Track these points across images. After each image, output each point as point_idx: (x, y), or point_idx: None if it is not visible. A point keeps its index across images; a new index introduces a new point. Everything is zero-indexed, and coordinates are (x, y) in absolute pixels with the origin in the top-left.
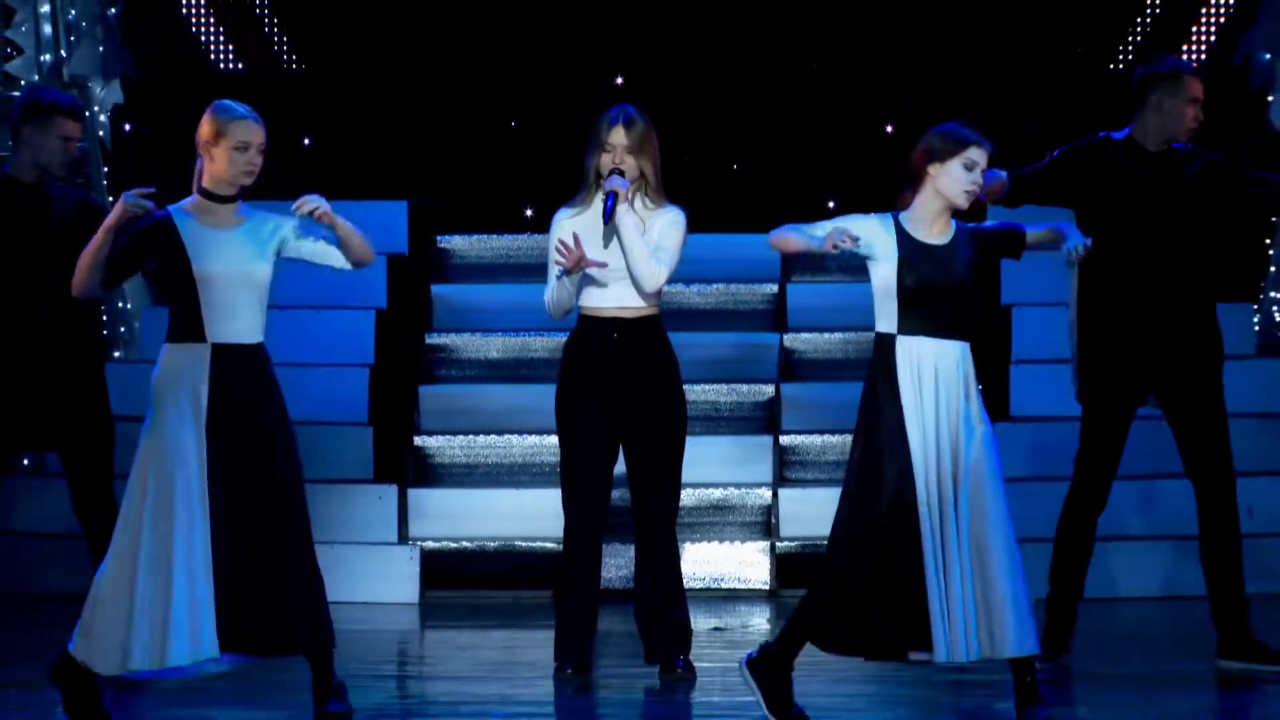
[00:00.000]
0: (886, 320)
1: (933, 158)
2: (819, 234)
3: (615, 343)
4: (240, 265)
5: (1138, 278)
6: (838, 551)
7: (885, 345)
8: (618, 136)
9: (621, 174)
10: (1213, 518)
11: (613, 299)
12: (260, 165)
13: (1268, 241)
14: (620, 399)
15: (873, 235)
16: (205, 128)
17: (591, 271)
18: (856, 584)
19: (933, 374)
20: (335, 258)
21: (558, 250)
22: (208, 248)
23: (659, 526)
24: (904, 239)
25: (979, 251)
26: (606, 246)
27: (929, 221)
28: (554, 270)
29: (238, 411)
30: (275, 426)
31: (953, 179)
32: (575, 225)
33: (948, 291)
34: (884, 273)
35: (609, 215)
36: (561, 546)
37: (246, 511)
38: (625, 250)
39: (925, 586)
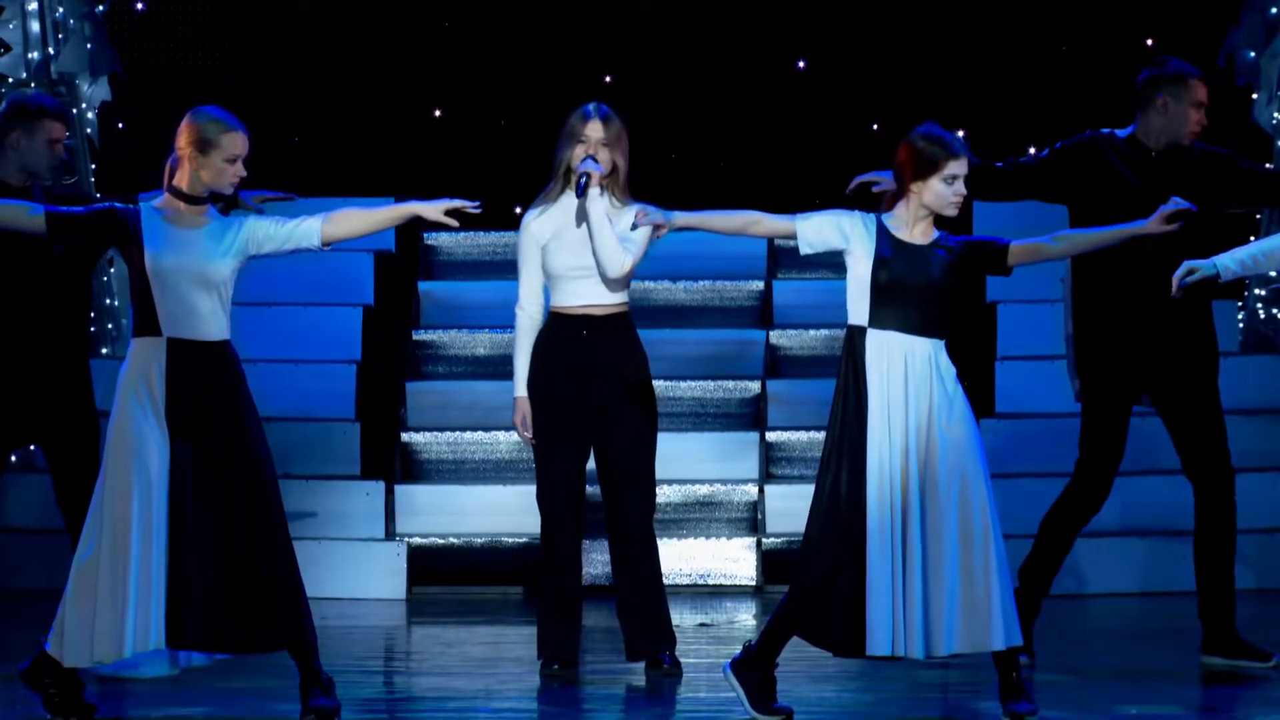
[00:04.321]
0: (859, 313)
1: (914, 175)
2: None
3: (585, 339)
4: (195, 262)
5: (1136, 276)
6: (804, 544)
7: (855, 337)
8: (595, 130)
9: (596, 162)
10: (1210, 515)
11: (582, 297)
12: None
13: (1252, 238)
14: (591, 395)
15: (853, 230)
16: (192, 134)
17: (563, 270)
18: (815, 578)
19: (901, 368)
20: (300, 238)
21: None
22: (165, 244)
23: (636, 523)
24: (884, 236)
25: (959, 259)
26: (578, 244)
27: (911, 225)
28: (527, 271)
29: (197, 408)
30: (239, 424)
31: (936, 194)
32: (544, 224)
33: (921, 290)
34: (860, 267)
35: (582, 190)
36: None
37: (213, 508)
38: (593, 235)
39: (865, 583)
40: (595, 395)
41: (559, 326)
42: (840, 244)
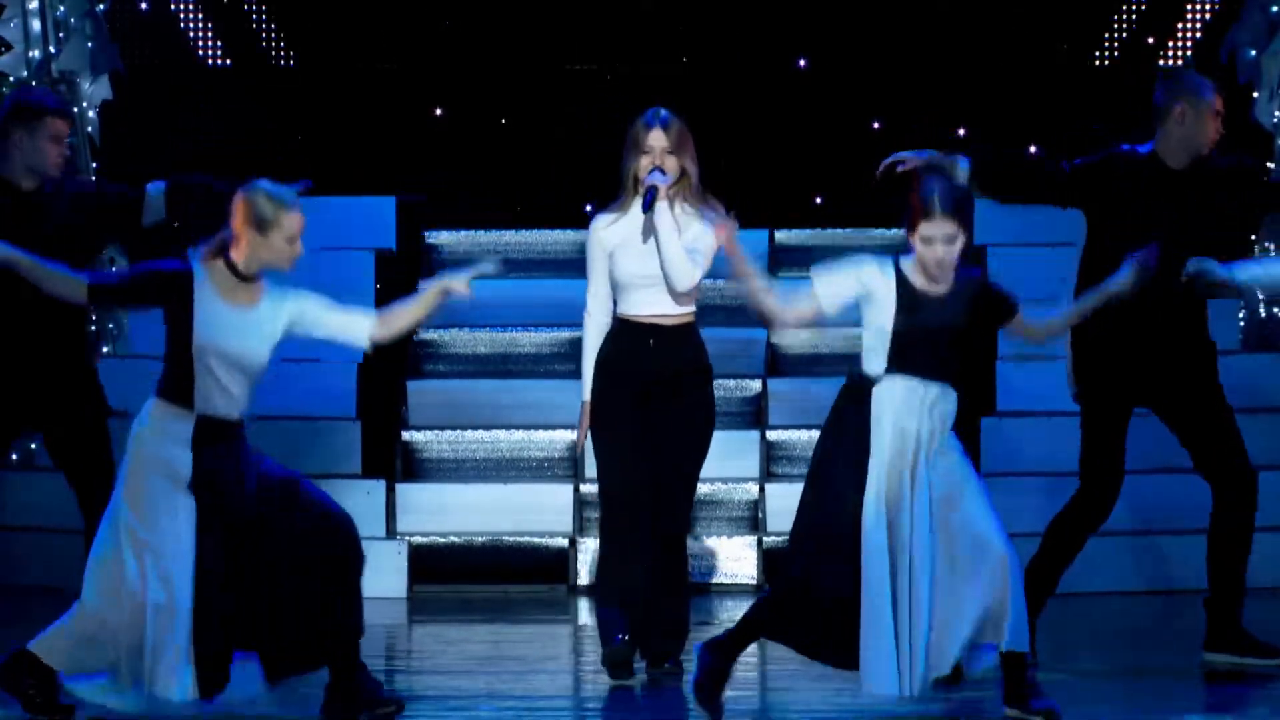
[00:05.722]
0: (873, 360)
1: (906, 224)
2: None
3: (651, 349)
4: (241, 350)
5: (1148, 294)
6: (791, 559)
7: (864, 382)
8: (657, 139)
9: (663, 173)
10: (1230, 512)
11: (650, 306)
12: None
13: (1253, 237)
14: (653, 401)
15: (872, 280)
16: (249, 213)
17: (630, 278)
18: (802, 593)
19: (907, 413)
20: (349, 336)
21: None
22: (215, 324)
23: (672, 530)
24: (902, 286)
25: (974, 308)
26: (644, 253)
27: (923, 270)
28: (595, 277)
29: (222, 482)
30: (266, 494)
31: (916, 251)
32: (613, 231)
33: (937, 339)
34: (878, 316)
35: (648, 206)
36: (585, 545)
37: (251, 575)
38: (660, 247)
39: (860, 620)
40: (658, 402)
41: (626, 333)
42: (858, 295)
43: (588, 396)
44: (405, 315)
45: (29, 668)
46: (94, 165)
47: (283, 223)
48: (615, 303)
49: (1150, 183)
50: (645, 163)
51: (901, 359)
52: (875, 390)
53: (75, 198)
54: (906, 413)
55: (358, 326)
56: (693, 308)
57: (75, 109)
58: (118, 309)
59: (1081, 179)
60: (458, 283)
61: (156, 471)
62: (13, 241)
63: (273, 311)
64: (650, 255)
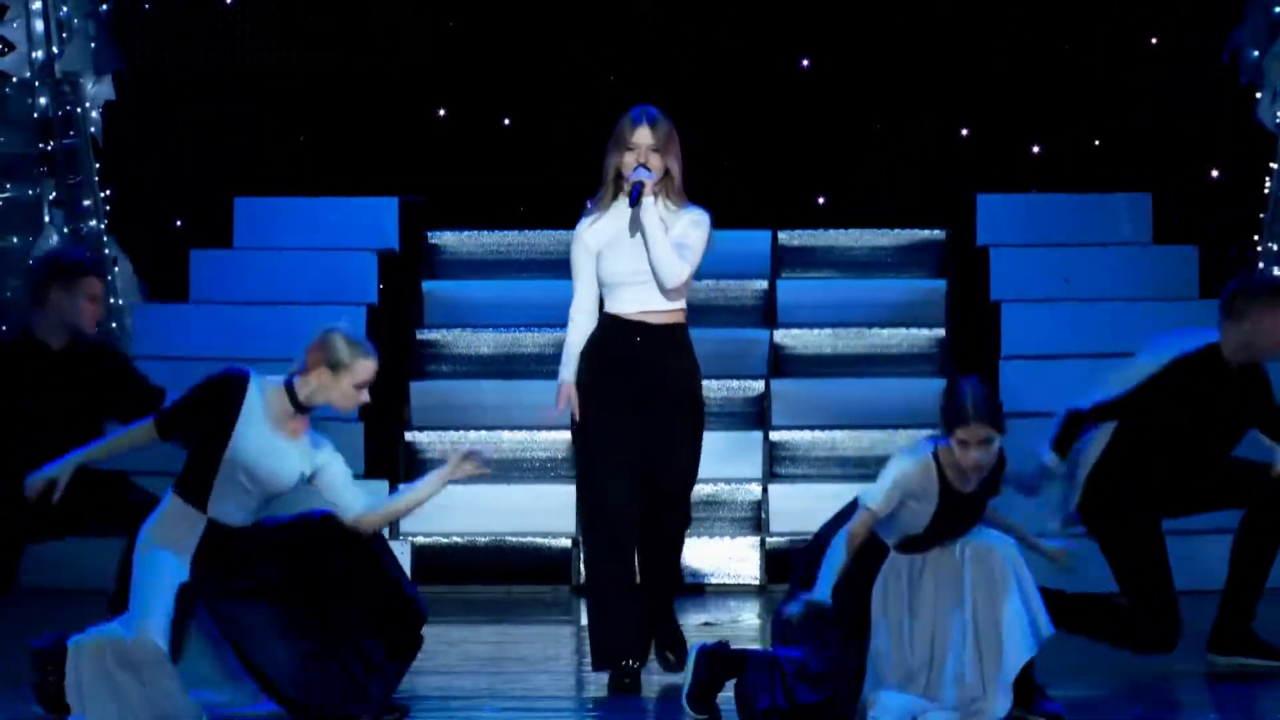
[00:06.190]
0: (890, 533)
1: (944, 425)
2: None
3: (637, 346)
4: (271, 474)
5: (1176, 472)
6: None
7: (878, 551)
8: (643, 136)
9: (648, 170)
10: (1264, 522)
11: (638, 303)
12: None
13: (1255, 238)
14: (639, 402)
15: (915, 484)
16: (326, 353)
17: (618, 277)
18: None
19: (922, 574)
20: (340, 505)
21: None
22: (255, 443)
23: (669, 539)
24: (945, 489)
25: (992, 491)
26: (632, 250)
27: (956, 468)
28: (581, 282)
29: (224, 576)
30: (275, 582)
31: (956, 453)
32: (597, 232)
33: (960, 531)
34: (916, 511)
35: (634, 200)
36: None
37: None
38: (648, 244)
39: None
40: (643, 403)
41: (613, 328)
42: (904, 497)
43: (567, 376)
44: (399, 507)
45: (59, 662)
46: (95, 166)
47: (356, 368)
48: (602, 301)
49: (1214, 381)
50: (630, 159)
51: (919, 548)
52: (889, 558)
53: (102, 365)
54: (900, 581)
55: (351, 506)
56: (682, 305)
57: (79, 109)
58: (191, 432)
59: (1151, 389)
60: (453, 466)
61: (168, 571)
62: (35, 400)
63: (309, 452)
64: (639, 251)
